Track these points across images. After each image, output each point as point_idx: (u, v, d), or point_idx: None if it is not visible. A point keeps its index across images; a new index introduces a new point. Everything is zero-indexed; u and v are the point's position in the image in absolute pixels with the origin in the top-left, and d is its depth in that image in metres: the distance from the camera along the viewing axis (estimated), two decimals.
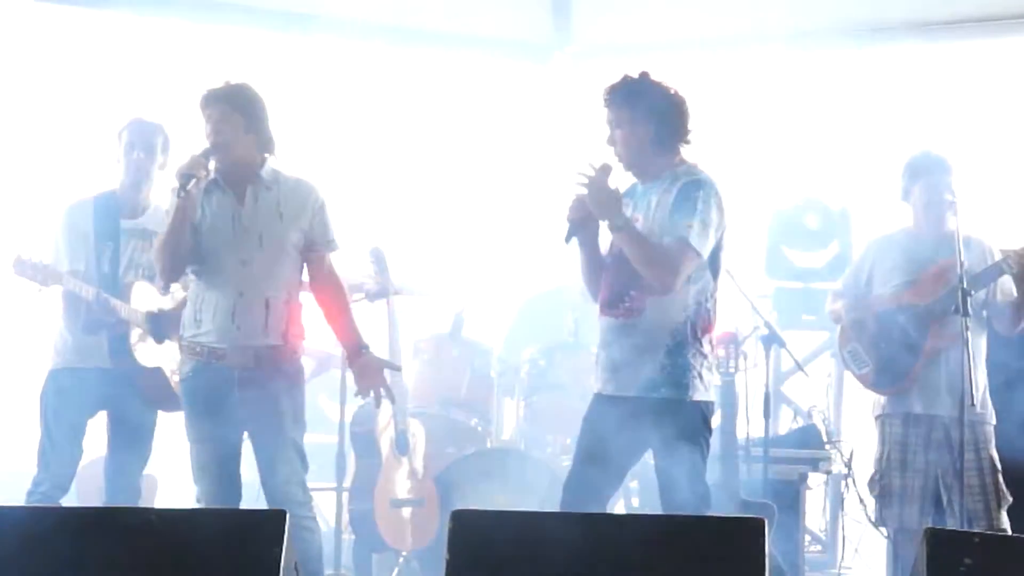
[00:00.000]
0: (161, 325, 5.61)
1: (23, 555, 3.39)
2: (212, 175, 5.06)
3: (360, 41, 8.28)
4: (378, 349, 5.65)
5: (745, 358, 6.38)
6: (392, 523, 6.43)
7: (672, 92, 4.88)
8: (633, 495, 6.58)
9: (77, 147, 7.07)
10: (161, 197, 5.08)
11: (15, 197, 7.18)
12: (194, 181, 4.89)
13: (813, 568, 7.06)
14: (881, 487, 5.69)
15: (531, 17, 8.58)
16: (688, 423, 4.76)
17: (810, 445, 6.67)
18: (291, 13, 7.96)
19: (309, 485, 5.19)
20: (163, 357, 5.64)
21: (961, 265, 5.20)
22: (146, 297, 5.61)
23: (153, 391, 5.61)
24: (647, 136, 4.85)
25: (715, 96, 7.47)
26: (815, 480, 6.87)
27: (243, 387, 4.99)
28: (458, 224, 8.35)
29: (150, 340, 5.62)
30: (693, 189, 4.76)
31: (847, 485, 6.68)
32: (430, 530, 6.47)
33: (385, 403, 5.39)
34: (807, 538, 6.92)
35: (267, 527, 3.41)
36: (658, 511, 5.04)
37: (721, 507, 5.60)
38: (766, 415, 6.37)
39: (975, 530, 5.36)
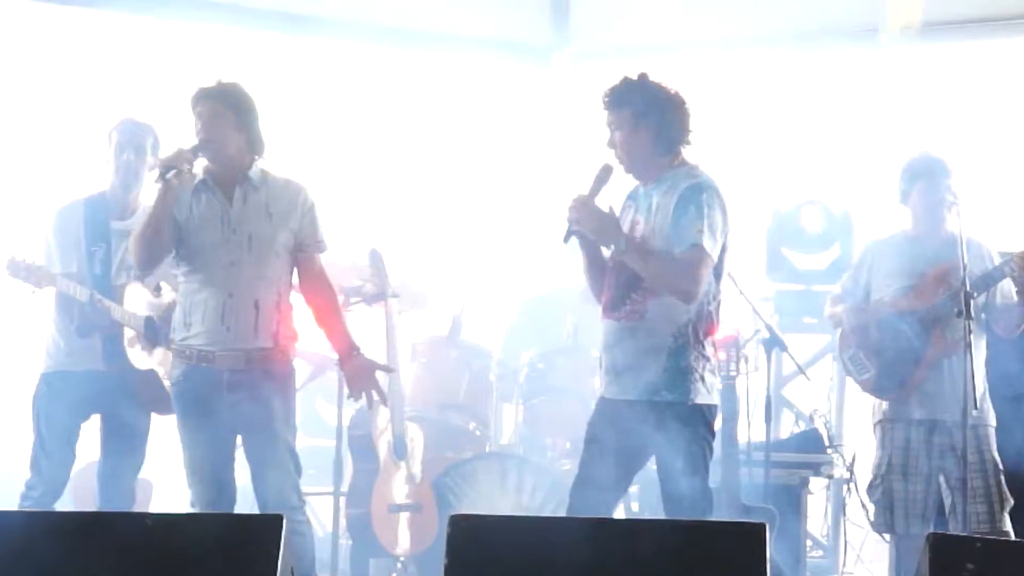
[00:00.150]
0: (156, 330, 5.58)
1: (17, 561, 3.36)
2: (201, 176, 5.04)
3: (359, 42, 8.26)
4: (376, 352, 5.63)
5: (746, 361, 6.37)
6: (390, 528, 6.40)
7: (672, 93, 4.87)
8: (632, 500, 6.54)
9: (68, 148, 7.04)
10: (151, 198, 5.04)
11: (7, 199, 7.13)
12: (174, 172, 4.84)
13: (815, 573, 7.03)
14: (882, 492, 5.67)
15: (530, 19, 8.58)
16: (690, 427, 4.73)
17: (812, 449, 6.64)
18: (290, 14, 7.94)
19: (306, 489, 5.17)
20: (156, 359, 5.60)
21: (964, 268, 5.17)
22: (139, 299, 5.57)
23: (147, 393, 5.58)
24: (647, 138, 4.83)
25: (715, 97, 7.45)
26: (817, 484, 6.85)
27: (233, 389, 4.97)
28: (457, 226, 8.33)
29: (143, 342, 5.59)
30: (696, 193, 4.74)
31: (849, 489, 6.66)
32: (428, 535, 6.44)
33: (383, 407, 5.35)
34: (808, 543, 6.89)
35: (264, 532, 3.39)
36: (658, 516, 5.01)
37: (722, 511, 5.58)
38: (767, 419, 6.36)
39: (979, 533, 5.34)
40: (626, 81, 4.86)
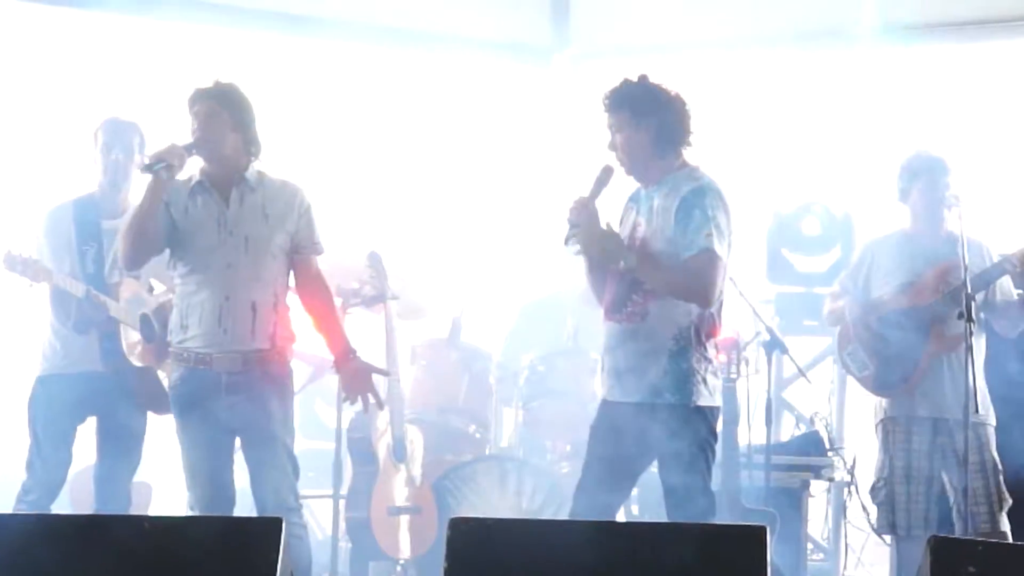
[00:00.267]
0: (152, 327, 5.57)
1: (14, 564, 3.34)
2: (198, 177, 5.02)
3: (358, 43, 8.25)
4: (375, 354, 5.61)
5: (747, 364, 6.36)
6: (389, 531, 6.39)
7: (672, 95, 4.86)
8: (633, 502, 6.53)
9: (61, 149, 7.01)
10: (141, 197, 5.02)
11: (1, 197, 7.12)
12: (164, 165, 4.80)
13: None
14: (885, 495, 5.66)
15: (530, 19, 8.57)
16: (692, 429, 4.72)
17: (812, 452, 6.63)
18: (289, 15, 7.93)
19: (305, 492, 5.16)
20: (152, 357, 5.59)
21: (965, 269, 5.17)
22: (133, 295, 5.56)
23: (145, 392, 5.57)
24: (648, 140, 4.82)
25: (716, 99, 7.44)
26: (817, 487, 6.83)
27: (231, 392, 4.95)
28: (457, 228, 8.32)
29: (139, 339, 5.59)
30: (699, 197, 4.73)
31: (850, 492, 6.65)
32: (428, 538, 6.43)
33: (383, 409, 5.34)
34: (809, 546, 6.88)
35: (264, 535, 3.37)
36: (658, 518, 5.00)
37: (722, 514, 5.57)
38: (768, 421, 6.35)
39: (980, 534, 5.34)
40: (626, 83, 4.85)
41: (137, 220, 4.90)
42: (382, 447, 6.41)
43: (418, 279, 7.25)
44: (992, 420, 5.58)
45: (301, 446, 5.14)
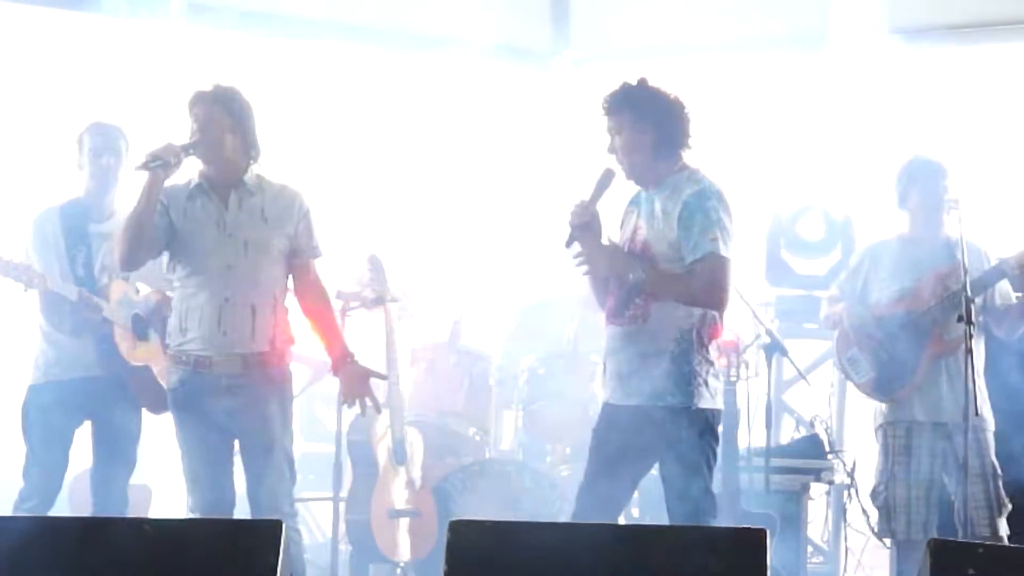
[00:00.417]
0: (143, 325, 5.58)
1: (14, 567, 3.34)
2: (197, 180, 5.02)
3: (359, 47, 8.25)
4: (375, 357, 5.61)
5: (746, 367, 6.36)
6: (389, 534, 6.39)
7: (672, 97, 4.85)
8: (633, 505, 6.53)
9: (53, 153, 7.01)
10: (129, 200, 5.02)
11: None
12: (160, 163, 4.80)
13: None
14: (885, 498, 5.66)
15: (530, 23, 8.57)
16: (693, 431, 4.72)
17: (812, 455, 6.63)
18: (289, 18, 7.93)
19: (305, 495, 5.16)
20: (149, 356, 5.59)
21: (965, 272, 5.16)
22: (123, 296, 5.56)
23: (143, 392, 5.56)
24: (648, 143, 4.81)
25: (715, 101, 7.45)
26: (817, 490, 6.83)
27: (231, 394, 4.95)
28: (457, 231, 8.32)
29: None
30: (701, 200, 4.72)
31: (849, 495, 6.65)
32: (428, 541, 6.43)
33: (383, 411, 5.34)
34: (809, 549, 6.88)
35: (263, 537, 3.37)
36: (658, 521, 4.99)
37: (722, 517, 5.56)
38: (768, 424, 6.35)
39: (980, 538, 5.33)
40: (626, 86, 4.85)
41: (134, 219, 4.89)
42: (382, 450, 6.42)
43: (417, 275, 7.26)
44: (992, 425, 5.58)
45: (301, 449, 5.15)
